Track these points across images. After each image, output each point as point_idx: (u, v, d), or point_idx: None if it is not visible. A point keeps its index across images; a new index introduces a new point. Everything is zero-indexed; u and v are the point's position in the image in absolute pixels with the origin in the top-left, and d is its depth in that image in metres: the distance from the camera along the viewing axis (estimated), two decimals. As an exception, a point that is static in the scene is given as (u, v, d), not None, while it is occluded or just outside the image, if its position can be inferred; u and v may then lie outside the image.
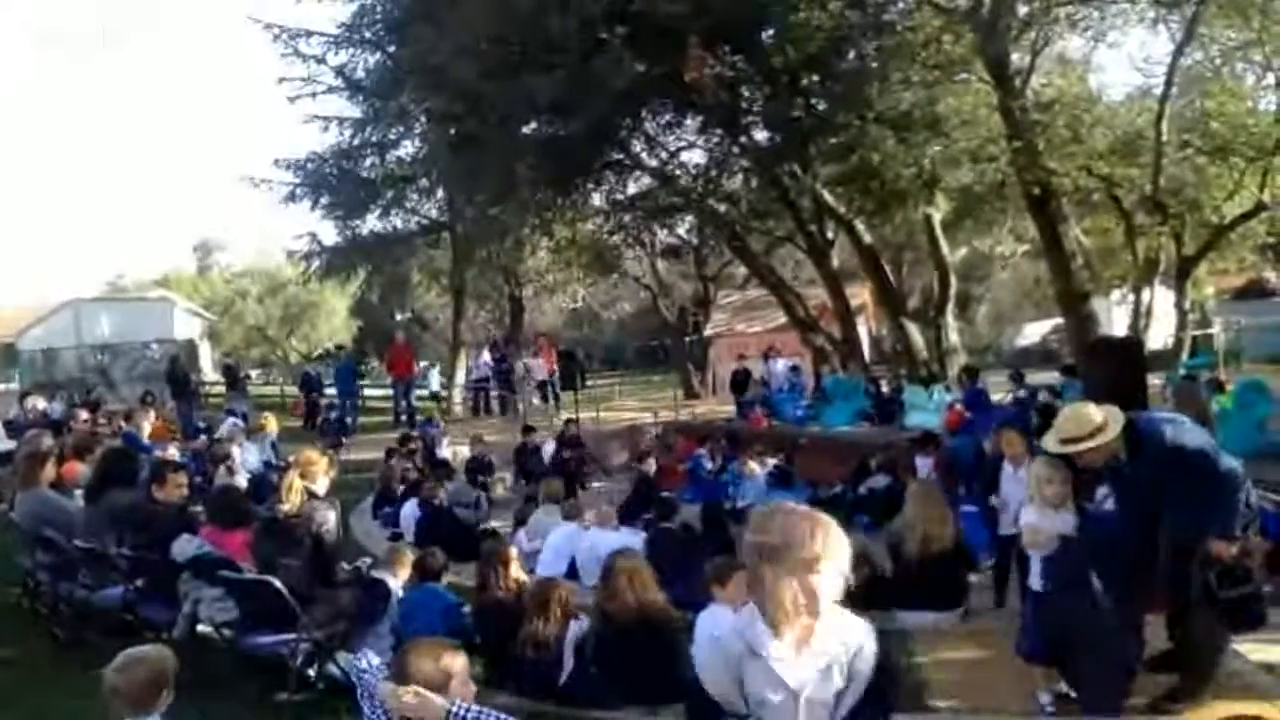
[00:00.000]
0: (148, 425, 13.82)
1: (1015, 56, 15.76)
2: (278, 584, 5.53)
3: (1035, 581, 5.11)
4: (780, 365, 19.84)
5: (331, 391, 24.08)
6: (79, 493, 7.84)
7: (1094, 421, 4.81)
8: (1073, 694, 5.08)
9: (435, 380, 24.93)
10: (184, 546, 6.27)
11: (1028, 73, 16.01)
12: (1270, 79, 17.60)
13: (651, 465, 13.37)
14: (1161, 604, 5.28)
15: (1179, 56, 16.34)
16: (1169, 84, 16.29)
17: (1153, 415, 5.28)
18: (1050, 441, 5.01)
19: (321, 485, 6.53)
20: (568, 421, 17.07)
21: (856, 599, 7.21)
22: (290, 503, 6.04)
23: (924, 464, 11.13)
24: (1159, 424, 4.93)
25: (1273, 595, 6.22)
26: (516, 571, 6.36)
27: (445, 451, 15.95)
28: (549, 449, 15.62)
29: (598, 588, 5.97)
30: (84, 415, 14.45)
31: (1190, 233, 18.42)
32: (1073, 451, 4.86)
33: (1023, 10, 15.39)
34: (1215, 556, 4.69)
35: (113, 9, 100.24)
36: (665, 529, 8.66)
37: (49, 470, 7.69)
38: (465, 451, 16.46)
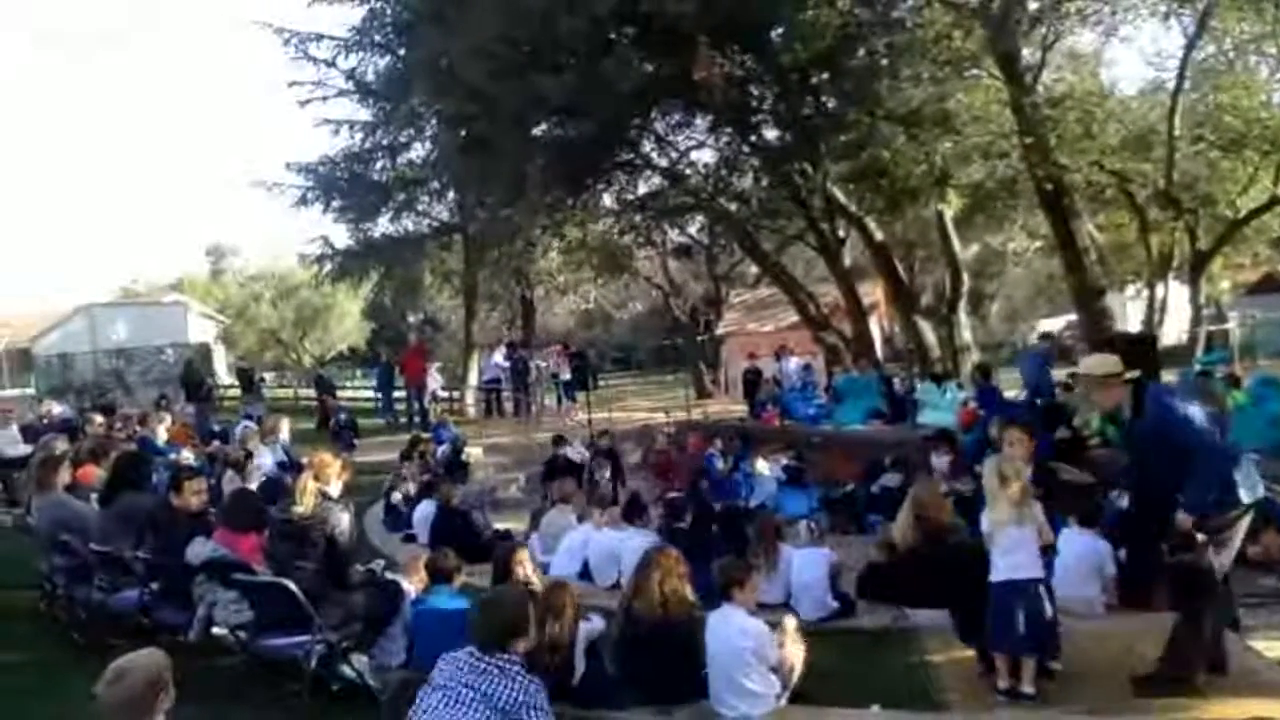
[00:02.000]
0: (163, 429, 13.91)
1: (1026, 52, 15.71)
2: (292, 586, 5.54)
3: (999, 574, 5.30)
4: (792, 364, 19.78)
5: (344, 395, 24.16)
6: (94, 496, 7.89)
7: (1114, 366, 5.37)
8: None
9: (435, 381, 24.54)
10: (198, 549, 6.31)
11: (1039, 68, 15.95)
12: (1284, 72, 17.53)
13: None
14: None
15: (1191, 50, 16.29)
16: (1181, 78, 16.23)
17: (1162, 384, 5.47)
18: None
19: (335, 488, 6.55)
20: (602, 433, 16.47)
21: (878, 589, 7.24)
22: (304, 505, 6.06)
23: (940, 462, 11.08)
24: (1162, 391, 5.31)
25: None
26: (528, 572, 6.36)
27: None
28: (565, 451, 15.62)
29: (629, 582, 5.92)
30: (99, 419, 14.51)
31: (1204, 227, 18.34)
32: (1086, 380, 5.52)
33: (1033, 5, 15.34)
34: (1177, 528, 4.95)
35: (113, 9, 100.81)
36: (678, 529, 8.66)
37: (64, 474, 7.74)
38: (478, 453, 16.50)
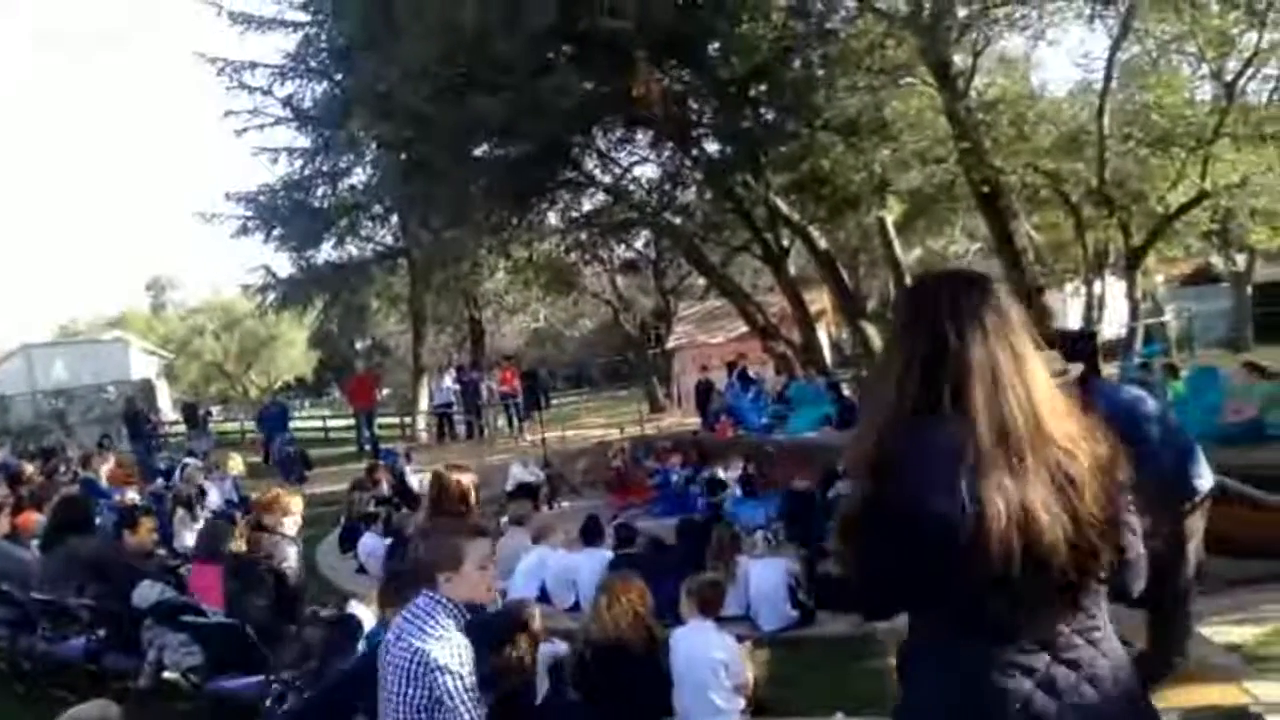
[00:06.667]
0: (105, 470, 13.59)
1: (957, 58, 15.96)
2: (243, 626, 5.44)
3: None
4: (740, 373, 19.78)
5: (292, 425, 23.90)
6: (35, 544, 7.68)
7: (1055, 367, 5.13)
8: None
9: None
10: (146, 593, 6.17)
11: (970, 74, 16.21)
12: (1204, 70, 18.00)
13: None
14: None
15: (1116, 51, 16.66)
16: (1108, 78, 16.58)
17: (1104, 381, 5.42)
18: None
19: (290, 525, 6.38)
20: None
21: (835, 597, 7.28)
22: (238, 544, 5.98)
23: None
24: (1102, 386, 5.17)
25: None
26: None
27: (412, 480, 15.75)
28: (516, 471, 15.51)
29: (589, 609, 5.90)
30: (29, 469, 14.09)
31: (1137, 223, 18.69)
32: None
33: (962, 13, 15.58)
34: None
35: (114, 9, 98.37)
36: (626, 554, 8.52)
37: (3, 522, 7.54)
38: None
